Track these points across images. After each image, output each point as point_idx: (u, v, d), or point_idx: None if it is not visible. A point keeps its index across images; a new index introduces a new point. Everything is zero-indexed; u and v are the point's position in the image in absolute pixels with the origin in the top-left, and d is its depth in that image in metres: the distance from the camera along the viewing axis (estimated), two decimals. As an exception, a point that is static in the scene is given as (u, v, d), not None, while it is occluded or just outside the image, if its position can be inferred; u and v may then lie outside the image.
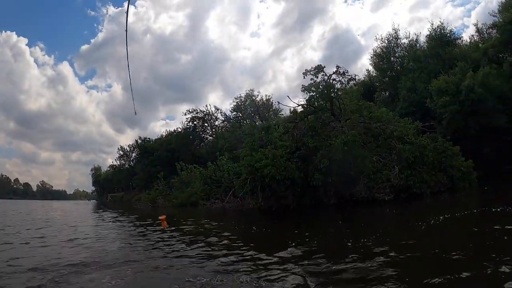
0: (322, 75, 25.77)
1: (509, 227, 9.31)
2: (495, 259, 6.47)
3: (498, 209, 12.21)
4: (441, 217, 12.20)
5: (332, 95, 25.58)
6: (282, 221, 18.83)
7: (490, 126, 24.88)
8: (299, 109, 26.81)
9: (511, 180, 21.62)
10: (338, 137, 21.87)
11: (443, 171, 21.60)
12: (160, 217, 14.99)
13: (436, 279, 5.89)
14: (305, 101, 26.46)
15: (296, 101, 27.46)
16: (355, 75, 28.58)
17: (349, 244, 9.75)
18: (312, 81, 25.54)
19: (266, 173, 22.29)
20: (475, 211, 13.89)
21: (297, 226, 15.33)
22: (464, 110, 25.73)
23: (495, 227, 9.43)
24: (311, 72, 25.77)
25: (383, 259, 7.38)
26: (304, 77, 26.00)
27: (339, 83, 26.64)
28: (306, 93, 25.76)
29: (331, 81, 25.95)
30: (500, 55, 30.09)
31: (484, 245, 8.09)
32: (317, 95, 25.41)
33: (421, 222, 11.90)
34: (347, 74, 26.49)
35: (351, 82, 28.68)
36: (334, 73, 26.12)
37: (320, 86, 25.30)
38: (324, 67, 25.96)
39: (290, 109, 29.10)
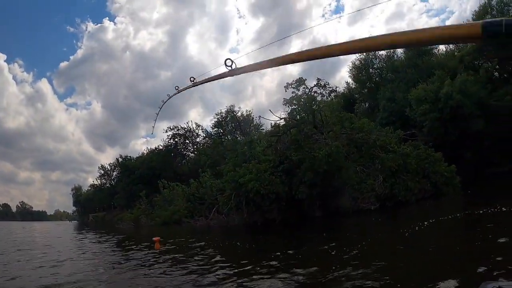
0: (304, 88, 25.84)
1: (490, 225, 9.47)
2: (481, 259, 6.41)
3: (481, 211, 12.34)
4: (425, 223, 12.25)
5: (314, 107, 25.57)
6: (267, 235, 18.44)
7: (468, 132, 25.29)
8: (281, 122, 26.76)
9: (491, 183, 21.92)
10: (322, 149, 21.68)
11: (427, 177, 21.71)
12: (154, 238, 14.51)
13: (424, 283, 5.75)
14: (287, 114, 26.40)
15: (277, 115, 27.39)
16: (336, 87, 28.89)
17: (333, 253, 9.62)
18: (293, 94, 25.53)
19: (250, 188, 21.89)
20: (458, 215, 13.94)
21: (282, 240, 15.09)
22: (443, 117, 26.13)
23: (478, 228, 9.56)
24: (293, 85, 25.78)
25: (369, 268, 7.21)
26: (285, 91, 25.96)
27: (320, 95, 26.82)
28: (288, 106, 25.71)
29: (312, 93, 26.04)
30: (476, 62, 30.93)
31: (469, 246, 8.06)
32: (299, 108, 25.38)
33: (406, 229, 11.86)
34: (328, 86, 26.71)
35: (332, 94, 28.96)
36: (315, 85, 26.28)
37: (302, 99, 25.30)
38: (306, 79, 26.09)
39: (272, 123, 29.08)
